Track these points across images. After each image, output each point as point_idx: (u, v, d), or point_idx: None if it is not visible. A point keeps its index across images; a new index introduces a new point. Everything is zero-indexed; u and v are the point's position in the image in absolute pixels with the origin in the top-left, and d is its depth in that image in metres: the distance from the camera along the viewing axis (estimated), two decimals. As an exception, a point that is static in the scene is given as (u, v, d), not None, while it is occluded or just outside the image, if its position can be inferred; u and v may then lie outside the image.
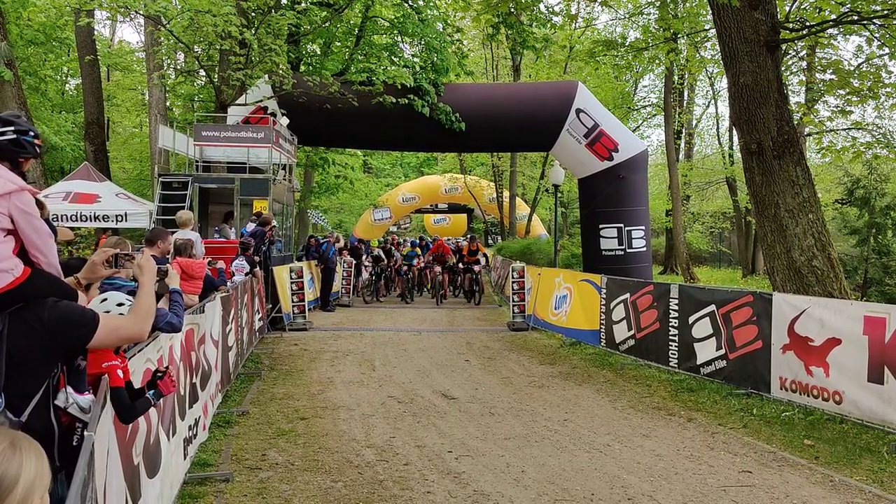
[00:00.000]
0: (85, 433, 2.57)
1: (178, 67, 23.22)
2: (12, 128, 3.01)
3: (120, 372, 3.53)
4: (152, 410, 4.42)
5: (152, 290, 3.17)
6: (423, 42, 19.83)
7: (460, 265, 22.18)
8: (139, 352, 4.21)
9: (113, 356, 3.60)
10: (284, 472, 6.06)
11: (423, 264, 22.76)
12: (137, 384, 3.83)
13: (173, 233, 8.05)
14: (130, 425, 3.87)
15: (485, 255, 23.26)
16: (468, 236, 26.00)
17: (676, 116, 32.51)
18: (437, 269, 21.48)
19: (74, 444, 3.01)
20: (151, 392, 3.76)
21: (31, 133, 3.05)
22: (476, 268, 21.31)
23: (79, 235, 19.88)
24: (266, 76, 16.90)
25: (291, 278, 15.47)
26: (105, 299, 3.66)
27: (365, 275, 22.44)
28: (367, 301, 21.48)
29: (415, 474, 6.12)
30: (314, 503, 5.40)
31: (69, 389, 3.24)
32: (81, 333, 2.75)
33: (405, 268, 22.20)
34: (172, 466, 5.07)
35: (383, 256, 22.54)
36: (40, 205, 3.10)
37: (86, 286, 3.80)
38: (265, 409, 8.23)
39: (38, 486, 1.62)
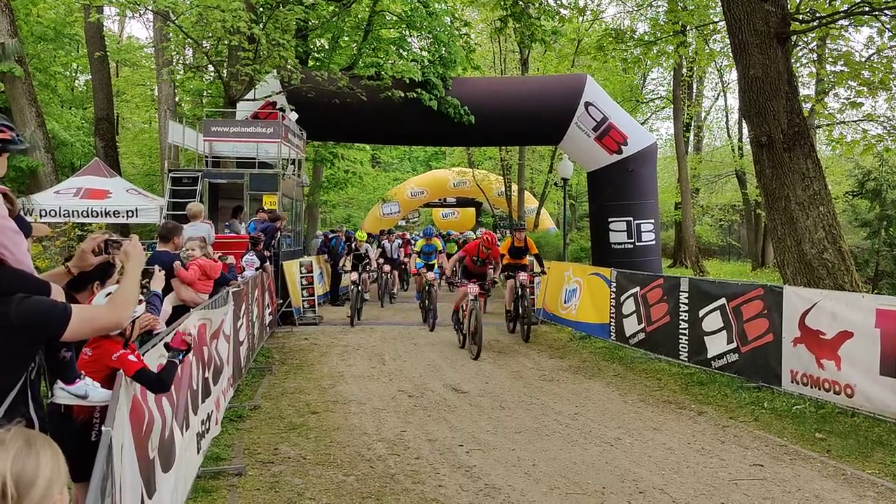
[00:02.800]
0: (102, 429, 2.59)
1: (187, 63, 23.26)
2: None
3: (132, 357, 3.57)
4: (166, 405, 4.46)
5: (136, 279, 3.14)
6: (431, 36, 19.80)
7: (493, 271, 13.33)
8: (153, 347, 4.24)
9: (120, 347, 3.64)
10: (297, 466, 6.09)
11: (449, 271, 13.37)
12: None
13: (185, 227, 8.09)
14: (146, 420, 3.91)
15: (538, 255, 14.09)
16: (518, 224, 16.39)
17: (685, 109, 32.38)
18: (472, 288, 11.78)
19: (93, 438, 3.04)
20: (169, 354, 3.83)
21: None
22: (523, 275, 13.02)
23: (88, 231, 19.99)
24: (274, 71, 16.92)
25: (301, 273, 15.51)
26: (109, 293, 3.69)
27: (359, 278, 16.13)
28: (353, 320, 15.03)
29: (426, 468, 6.14)
30: (327, 497, 5.43)
31: (59, 384, 3.28)
32: (52, 327, 2.71)
33: (426, 273, 15.42)
34: (186, 460, 5.10)
35: (369, 255, 17.18)
36: (10, 201, 3.07)
37: (94, 279, 3.81)
38: (277, 403, 8.27)
39: (56, 482, 1.61)
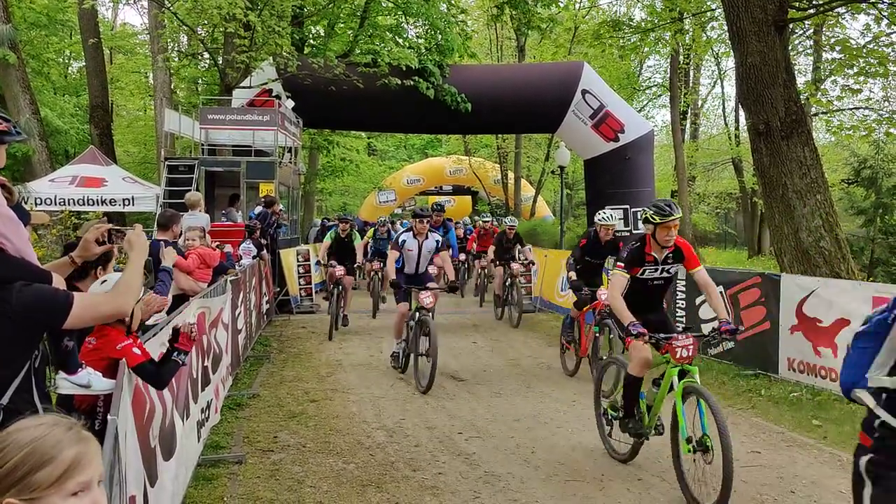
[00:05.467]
0: (108, 417, 2.59)
1: (182, 50, 23.12)
2: None
3: (136, 350, 3.57)
4: (167, 393, 4.46)
5: (140, 267, 3.12)
6: (427, 23, 19.72)
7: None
8: (153, 336, 4.24)
9: (124, 337, 3.65)
10: (297, 454, 6.11)
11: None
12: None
13: (183, 215, 8.08)
14: (147, 408, 3.91)
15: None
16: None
17: (682, 97, 32.33)
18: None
19: (97, 428, 3.04)
20: (175, 353, 3.84)
21: None
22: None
23: (85, 219, 19.94)
24: (270, 58, 16.84)
25: (298, 261, 15.50)
26: (104, 280, 3.68)
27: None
28: None
29: (426, 455, 6.17)
30: (327, 484, 5.45)
31: (61, 374, 3.28)
32: (54, 315, 2.69)
33: None
34: (187, 449, 5.11)
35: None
36: (9, 191, 3.06)
37: (96, 265, 3.80)
38: (275, 391, 8.29)
39: (84, 467, 1.55)
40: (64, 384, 3.38)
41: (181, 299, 6.60)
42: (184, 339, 3.96)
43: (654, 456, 6.17)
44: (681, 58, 29.66)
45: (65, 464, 1.52)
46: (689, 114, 36.53)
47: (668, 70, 31.63)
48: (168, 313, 5.51)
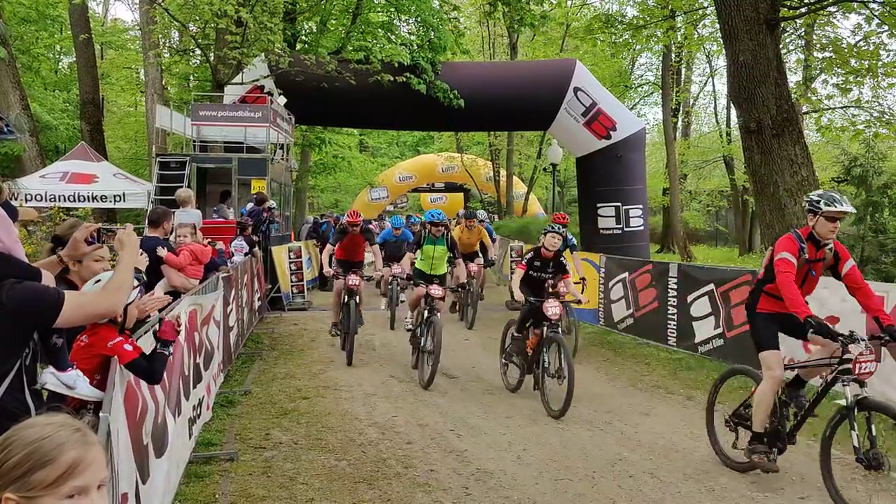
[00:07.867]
0: (101, 415, 2.59)
1: (174, 46, 23.01)
2: None
3: (128, 346, 3.56)
4: (159, 391, 4.46)
5: (131, 266, 3.12)
6: (419, 19, 19.68)
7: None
8: (145, 334, 4.23)
9: (116, 334, 3.63)
10: (289, 451, 6.11)
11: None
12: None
13: (174, 212, 8.06)
14: (139, 406, 3.91)
15: None
16: None
17: (674, 94, 32.41)
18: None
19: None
20: (159, 344, 3.84)
21: None
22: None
23: (76, 216, 19.82)
24: (262, 55, 16.79)
25: (290, 258, 15.49)
26: (98, 280, 3.67)
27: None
28: None
29: (418, 453, 6.17)
30: (319, 481, 5.45)
31: (50, 368, 3.27)
32: (45, 313, 2.69)
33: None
34: (178, 446, 5.10)
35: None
36: None
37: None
38: (267, 388, 8.28)
39: (84, 470, 1.55)
40: (51, 379, 3.35)
41: (173, 296, 6.57)
42: (167, 327, 3.95)
43: (644, 454, 6.20)
44: (672, 55, 29.74)
45: (63, 467, 1.53)
46: (680, 111, 36.64)
47: (660, 68, 31.71)
48: (159, 311, 5.49)
